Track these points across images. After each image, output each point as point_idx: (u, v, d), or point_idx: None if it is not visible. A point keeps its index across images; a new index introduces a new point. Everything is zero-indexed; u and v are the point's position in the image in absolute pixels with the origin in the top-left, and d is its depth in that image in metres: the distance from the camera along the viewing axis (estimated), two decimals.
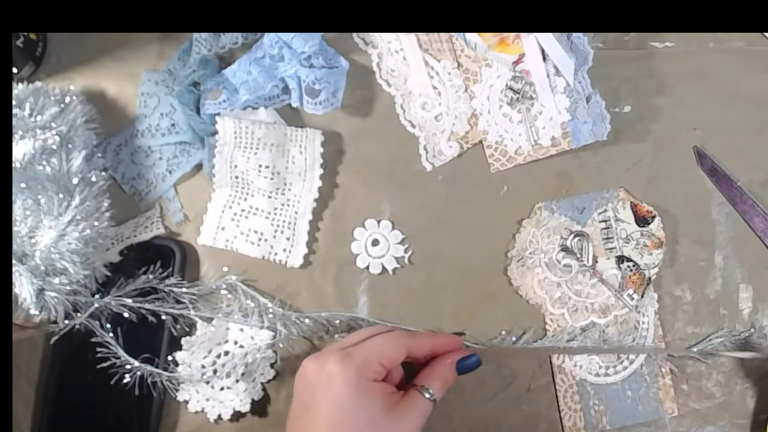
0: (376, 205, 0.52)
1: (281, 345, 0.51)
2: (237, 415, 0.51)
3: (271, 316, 0.50)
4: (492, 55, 0.51)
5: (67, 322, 0.47)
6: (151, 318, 0.49)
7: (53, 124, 0.46)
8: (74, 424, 0.50)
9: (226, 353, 0.51)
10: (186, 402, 0.51)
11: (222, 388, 0.51)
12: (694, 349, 0.52)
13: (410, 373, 0.47)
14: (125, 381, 0.48)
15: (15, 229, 0.44)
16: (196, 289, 0.50)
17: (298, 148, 0.51)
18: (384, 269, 0.52)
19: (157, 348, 0.50)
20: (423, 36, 0.52)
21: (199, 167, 0.52)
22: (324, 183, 0.51)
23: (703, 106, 0.54)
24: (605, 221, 0.52)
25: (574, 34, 0.50)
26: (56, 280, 0.45)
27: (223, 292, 0.51)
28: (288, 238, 0.52)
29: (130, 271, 0.49)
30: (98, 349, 0.48)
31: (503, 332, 0.52)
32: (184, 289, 0.50)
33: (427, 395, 0.44)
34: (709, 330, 0.53)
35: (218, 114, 0.50)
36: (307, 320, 0.50)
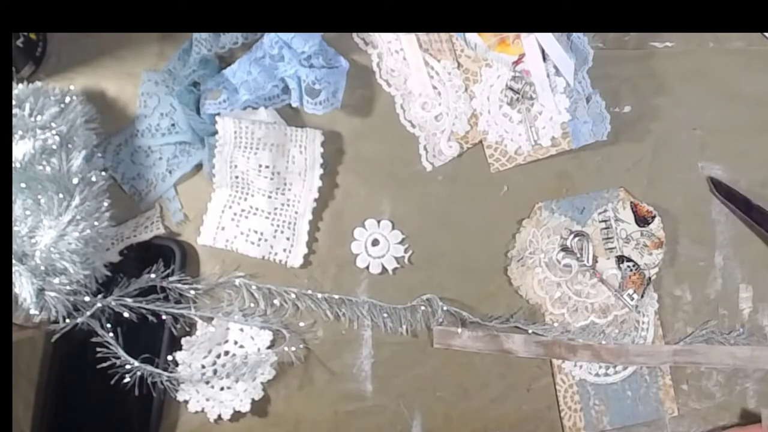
0: (376, 205, 0.52)
1: (284, 348, 0.51)
2: (237, 415, 0.51)
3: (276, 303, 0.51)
4: (492, 55, 0.51)
5: (68, 321, 0.47)
6: (151, 318, 0.49)
7: (53, 124, 0.46)
8: (74, 424, 0.50)
9: (226, 353, 0.51)
10: (186, 402, 0.51)
11: (222, 388, 0.51)
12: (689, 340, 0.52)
13: None
14: (125, 381, 0.48)
15: (15, 229, 0.44)
16: (202, 284, 0.51)
17: (298, 148, 0.51)
18: (384, 269, 0.52)
19: (157, 348, 0.50)
20: (423, 36, 0.52)
21: (199, 167, 0.52)
22: (324, 183, 0.51)
23: (703, 106, 0.54)
24: (605, 221, 0.52)
25: (574, 34, 0.50)
26: (56, 280, 0.45)
27: (228, 291, 0.51)
28: (288, 238, 0.52)
29: (130, 271, 0.49)
30: (98, 349, 0.48)
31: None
32: (188, 285, 0.50)
33: None
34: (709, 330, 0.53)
35: (218, 114, 0.50)
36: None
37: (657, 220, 0.52)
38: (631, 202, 0.52)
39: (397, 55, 0.53)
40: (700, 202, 0.53)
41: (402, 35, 0.52)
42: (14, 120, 0.45)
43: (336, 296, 0.51)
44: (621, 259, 0.52)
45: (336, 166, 0.53)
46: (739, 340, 0.53)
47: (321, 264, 0.52)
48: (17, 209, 0.45)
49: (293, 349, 0.51)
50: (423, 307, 0.52)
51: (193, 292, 0.50)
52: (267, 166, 0.50)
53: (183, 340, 0.50)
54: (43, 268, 0.44)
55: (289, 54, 0.49)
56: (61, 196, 0.45)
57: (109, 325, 0.48)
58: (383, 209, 0.53)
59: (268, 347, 0.51)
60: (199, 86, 0.51)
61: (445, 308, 0.51)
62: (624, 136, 0.53)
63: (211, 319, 0.51)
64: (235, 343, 0.51)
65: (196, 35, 0.50)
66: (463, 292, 0.52)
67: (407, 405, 0.52)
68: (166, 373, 0.49)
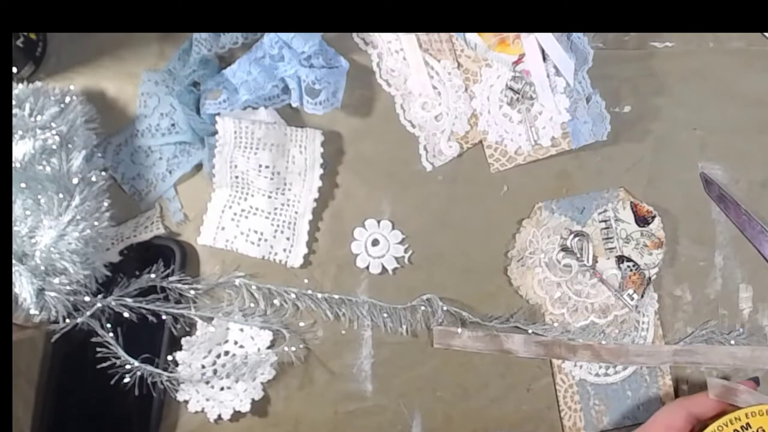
0: (376, 205, 0.52)
1: (284, 348, 0.51)
2: (237, 415, 0.51)
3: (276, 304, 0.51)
4: (492, 55, 0.51)
5: (68, 321, 0.47)
6: (151, 318, 0.49)
7: (53, 124, 0.46)
8: (74, 424, 0.50)
9: (226, 353, 0.51)
10: (186, 402, 0.51)
11: (222, 388, 0.51)
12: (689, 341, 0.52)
13: None
14: (125, 381, 0.48)
15: (15, 229, 0.44)
16: (202, 284, 0.51)
17: (298, 148, 0.51)
18: (384, 269, 0.52)
19: (157, 348, 0.50)
20: (423, 36, 0.52)
21: (199, 167, 0.52)
22: (324, 183, 0.51)
23: (703, 106, 0.54)
24: (605, 221, 0.52)
25: (574, 34, 0.50)
26: (56, 280, 0.45)
27: (228, 291, 0.51)
28: (288, 238, 0.52)
29: (130, 271, 0.49)
30: (98, 349, 0.48)
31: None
32: (188, 285, 0.50)
33: None
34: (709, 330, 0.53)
35: (218, 114, 0.50)
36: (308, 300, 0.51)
37: (657, 220, 0.52)
38: (631, 202, 0.52)
39: (397, 55, 0.53)
40: (700, 202, 0.53)
41: (402, 35, 0.52)
42: (14, 120, 0.45)
43: (336, 296, 0.51)
44: (621, 259, 0.52)
45: (336, 166, 0.53)
46: (739, 340, 0.53)
47: (321, 264, 0.52)
48: (17, 209, 0.45)
49: (293, 349, 0.51)
50: (423, 307, 0.52)
51: (193, 292, 0.50)
52: (267, 166, 0.50)
53: (183, 340, 0.50)
54: (43, 268, 0.44)
55: (289, 54, 0.49)
56: (61, 196, 0.45)
57: (109, 325, 0.48)
58: (383, 209, 0.52)
59: (268, 347, 0.51)
60: (199, 86, 0.51)
61: (445, 308, 0.51)
62: (624, 136, 0.53)
63: (211, 319, 0.51)
64: (235, 343, 0.51)
65: (196, 35, 0.50)
66: (463, 292, 0.52)
67: (407, 405, 0.52)
68: (166, 373, 0.49)
